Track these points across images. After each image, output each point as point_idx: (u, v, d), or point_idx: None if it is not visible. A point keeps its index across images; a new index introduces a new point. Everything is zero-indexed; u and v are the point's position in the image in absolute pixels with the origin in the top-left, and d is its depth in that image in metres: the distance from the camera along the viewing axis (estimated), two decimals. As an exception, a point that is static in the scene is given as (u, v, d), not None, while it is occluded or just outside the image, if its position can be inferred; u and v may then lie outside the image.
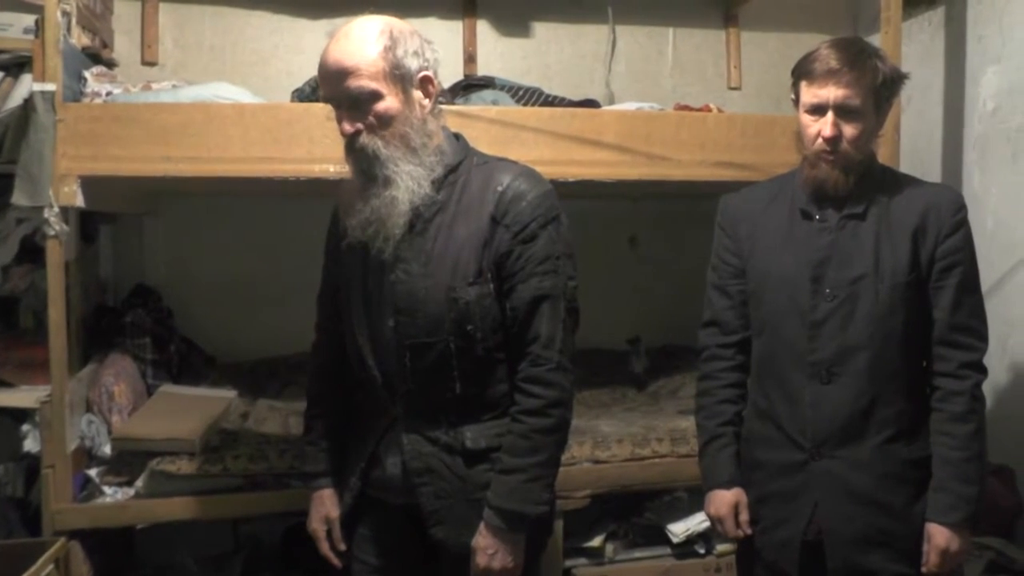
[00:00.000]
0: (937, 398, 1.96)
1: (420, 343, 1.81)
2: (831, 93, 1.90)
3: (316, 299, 2.08)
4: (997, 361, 3.04)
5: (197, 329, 3.58)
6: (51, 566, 2.40)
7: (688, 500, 2.96)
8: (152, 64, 3.57)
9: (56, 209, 2.49)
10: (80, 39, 2.87)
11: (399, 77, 1.73)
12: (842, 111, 1.91)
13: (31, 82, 2.53)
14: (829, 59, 1.90)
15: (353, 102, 1.73)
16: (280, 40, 3.71)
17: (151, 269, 3.61)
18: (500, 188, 1.80)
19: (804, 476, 1.98)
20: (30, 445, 2.67)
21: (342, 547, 1.97)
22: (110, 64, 3.22)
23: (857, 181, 1.97)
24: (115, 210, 3.29)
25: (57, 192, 2.49)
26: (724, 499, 2.07)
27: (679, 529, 2.96)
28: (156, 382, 3.14)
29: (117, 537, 2.85)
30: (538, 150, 2.71)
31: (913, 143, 3.51)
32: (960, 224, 1.97)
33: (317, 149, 2.59)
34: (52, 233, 2.50)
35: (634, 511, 3.04)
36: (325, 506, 1.98)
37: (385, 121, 1.73)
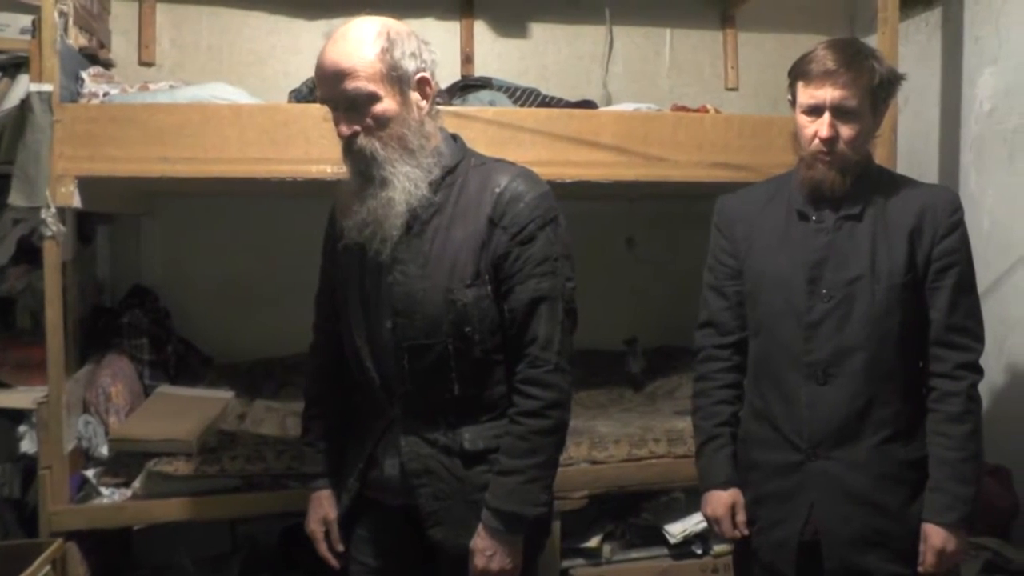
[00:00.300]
0: (933, 399, 1.96)
1: (418, 345, 1.81)
2: (828, 94, 1.90)
3: (314, 300, 2.07)
4: (994, 362, 3.05)
5: (194, 330, 3.58)
6: (48, 567, 2.40)
7: (685, 501, 2.97)
8: (149, 65, 3.57)
9: (53, 210, 2.49)
10: (77, 39, 2.87)
11: (396, 79, 1.73)
12: (839, 112, 1.91)
13: (28, 82, 2.53)
14: (826, 60, 1.90)
15: (350, 104, 1.72)
16: (277, 41, 3.71)
17: (148, 270, 3.61)
18: (498, 189, 1.80)
19: (800, 476, 1.98)
20: (27, 446, 2.67)
21: (340, 548, 1.97)
22: (107, 64, 3.22)
23: (853, 182, 1.97)
24: (112, 211, 3.29)
25: (54, 192, 2.49)
26: (721, 500, 2.08)
27: (676, 530, 2.96)
28: (153, 383, 3.14)
29: (114, 538, 2.86)
30: (535, 151, 2.71)
31: (910, 144, 3.51)
32: (956, 225, 1.97)
33: (314, 150, 2.59)
34: (49, 234, 2.50)
35: (631, 511, 3.04)
36: (323, 507, 1.98)
37: (382, 123, 1.73)
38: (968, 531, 1.95)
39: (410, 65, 1.74)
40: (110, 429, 2.75)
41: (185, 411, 2.89)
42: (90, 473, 2.68)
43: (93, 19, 3.12)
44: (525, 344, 1.81)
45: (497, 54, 3.91)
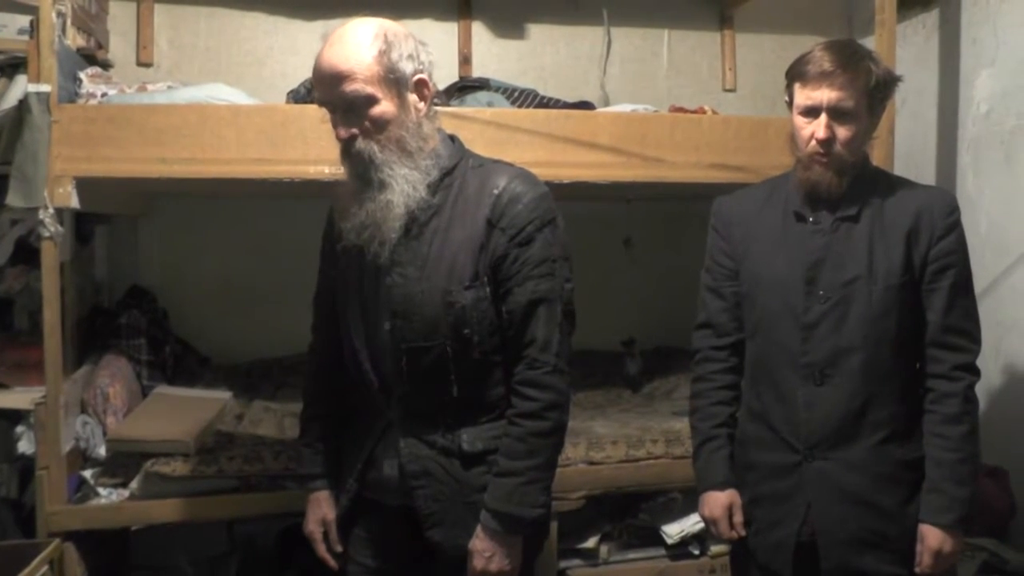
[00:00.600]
0: (930, 400, 1.96)
1: (417, 347, 1.80)
2: (824, 95, 1.90)
3: (312, 301, 2.07)
4: (991, 363, 3.05)
5: (192, 330, 3.58)
6: (45, 567, 2.40)
7: (682, 501, 2.97)
8: (147, 65, 3.57)
9: (51, 210, 2.49)
10: (75, 40, 2.87)
11: (394, 81, 1.73)
12: (835, 113, 1.91)
13: (26, 83, 2.52)
14: (823, 61, 1.90)
15: (348, 106, 1.72)
16: (275, 41, 3.72)
17: (146, 270, 3.61)
18: (496, 191, 1.80)
19: (797, 477, 1.98)
20: (24, 446, 2.67)
21: (339, 549, 1.97)
22: (105, 65, 3.23)
23: (851, 183, 1.97)
24: (110, 211, 3.29)
25: (52, 193, 2.49)
26: (718, 500, 2.08)
27: (673, 530, 2.96)
28: (151, 383, 3.14)
29: (112, 539, 2.85)
30: (533, 152, 2.71)
31: (907, 145, 3.51)
32: (953, 226, 1.97)
33: (312, 150, 2.59)
34: (47, 234, 2.50)
35: (629, 512, 3.04)
36: (322, 508, 1.98)
37: (380, 125, 1.73)
38: (965, 532, 1.95)
39: (408, 67, 1.74)
40: (108, 429, 2.75)
41: (183, 412, 2.89)
42: (88, 473, 2.68)
43: (91, 20, 3.12)
44: (523, 346, 1.80)
45: (495, 55, 3.92)
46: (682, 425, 2.86)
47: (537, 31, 3.97)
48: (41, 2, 2.47)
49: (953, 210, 1.98)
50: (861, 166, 2.00)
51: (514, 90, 3.20)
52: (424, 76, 1.78)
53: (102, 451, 2.72)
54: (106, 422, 2.76)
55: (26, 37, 2.62)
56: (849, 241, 1.97)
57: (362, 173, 1.75)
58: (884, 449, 1.95)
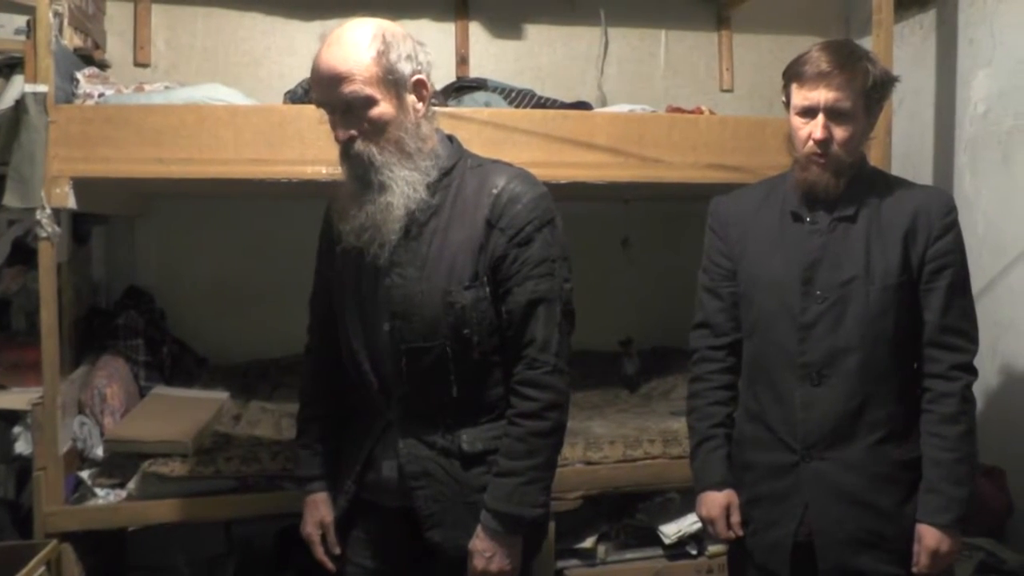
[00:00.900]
0: (928, 399, 1.96)
1: (416, 347, 1.80)
2: (822, 95, 1.90)
3: (308, 301, 2.07)
4: (988, 363, 3.06)
5: (189, 331, 3.58)
6: (43, 568, 2.39)
7: (680, 501, 2.97)
8: (144, 66, 3.57)
9: (48, 211, 2.48)
10: (72, 40, 2.87)
11: (393, 82, 1.72)
12: (833, 114, 1.91)
13: (23, 83, 2.52)
14: (820, 61, 1.91)
15: (347, 108, 1.72)
16: (272, 42, 3.71)
17: (143, 271, 3.61)
18: (495, 191, 1.80)
19: (795, 477, 1.98)
20: (22, 447, 2.67)
21: (337, 551, 1.96)
22: (102, 65, 3.22)
23: (848, 183, 1.98)
24: (107, 212, 3.28)
25: (49, 194, 2.49)
26: (715, 500, 2.08)
27: (671, 530, 2.96)
28: (148, 384, 3.14)
29: (109, 539, 2.85)
30: (530, 152, 2.71)
31: (904, 145, 3.52)
32: (950, 226, 1.97)
33: (309, 151, 2.59)
34: (44, 235, 2.49)
35: (626, 512, 3.04)
36: (319, 510, 1.97)
37: (380, 127, 1.72)
38: (962, 532, 1.95)
39: (406, 68, 1.74)
40: (105, 430, 2.74)
41: (180, 412, 2.89)
42: (85, 474, 2.68)
43: (88, 20, 3.11)
44: (523, 346, 1.81)
45: (492, 55, 3.92)
46: (679, 425, 2.86)
47: (534, 31, 3.98)
48: (38, 2, 2.46)
49: (950, 210, 1.98)
50: (858, 166, 2.00)
51: (511, 90, 3.20)
52: (423, 77, 1.77)
53: (99, 452, 2.72)
54: (103, 423, 2.76)
55: (23, 37, 2.62)
56: (846, 241, 1.97)
57: (361, 175, 1.75)
58: (881, 449, 1.95)
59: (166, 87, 2.85)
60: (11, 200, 2.50)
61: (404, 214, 1.76)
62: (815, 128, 1.92)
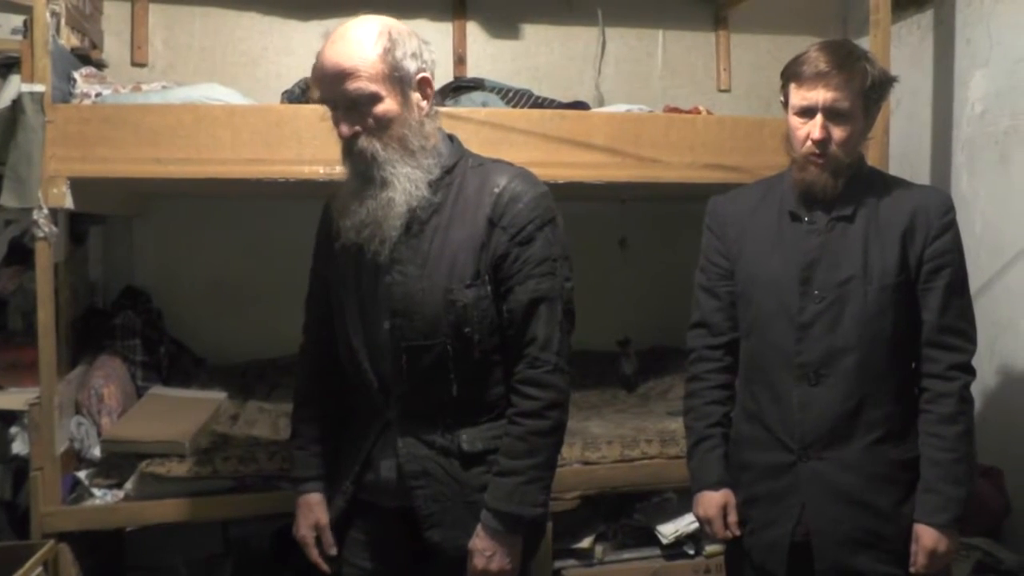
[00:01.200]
0: (925, 399, 1.96)
1: (417, 345, 1.80)
2: (820, 96, 1.90)
3: (304, 301, 2.07)
4: (986, 363, 3.06)
5: (187, 331, 3.58)
6: (40, 568, 2.39)
7: (677, 501, 2.97)
8: (142, 65, 3.57)
9: (45, 211, 2.48)
10: (69, 40, 2.86)
11: (398, 79, 1.72)
12: (831, 114, 1.91)
13: (20, 83, 2.51)
14: (818, 62, 1.91)
15: (352, 104, 1.71)
16: (270, 42, 3.71)
17: (141, 271, 3.60)
18: (497, 190, 1.80)
19: (792, 477, 1.98)
20: (19, 447, 2.66)
21: (333, 551, 1.95)
22: (99, 65, 3.22)
23: (846, 183, 1.98)
24: (104, 212, 3.28)
25: (46, 194, 2.49)
26: (712, 500, 2.08)
27: (668, 530, 2.96)
28: (146, 384, 3.14)
29: (107, 539, 2.85)
30: (528, 152, 2.71)
31: (902, 146, 3.52)
32: (948, 226, 1.97)
33: (307, 151, 2.59)
34: (41, 235, 2.49)
35: (623, 512, 3.04)
36: (314, 512, 1.96)
37: (384, 124, 1.72)
38: (960, 532, 1.95)
39: (411, 65, 1.74)
40: (103, 430, 2.74)
41: (178, 412, 2.89)
42: (82, 474, 2.67)
43: (85, 19, 3.11)
44: (524, 344, 1.80)
45: (490, 55, 3.92)
46: (677, 425, 2.86)
47: (532, 31, 3.98)
48: (35, 1, 2.46)
49: (948, 210, 1.98)
50: (856, 166, 2.01)
51: (509, 90, 3.20)
52: (427, 75, 1.77)
53: (97, 452, 2.71)
54: (101, 423, 2.76)
55: (20, 37, 2.62)
56: (844, 241, 1.97)
57: (364, 171, 1.74)
58: (879, 449, 1.95)
59: (163, 87, 2.85)
60: (8, 200, 2.50)
61: (405, 211, 1.75)
62: (813, 128, 1.92)
